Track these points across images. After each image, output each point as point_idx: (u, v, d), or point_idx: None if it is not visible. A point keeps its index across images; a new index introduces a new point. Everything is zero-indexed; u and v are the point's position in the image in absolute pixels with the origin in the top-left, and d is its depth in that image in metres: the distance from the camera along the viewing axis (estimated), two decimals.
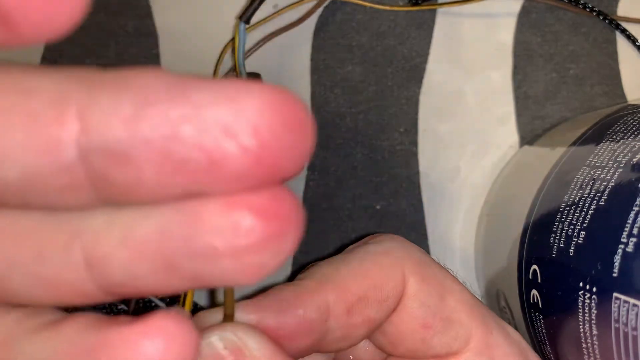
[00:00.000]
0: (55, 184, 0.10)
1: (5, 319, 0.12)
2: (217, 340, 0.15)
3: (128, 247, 0.11)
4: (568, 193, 0.23)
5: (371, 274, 0.19)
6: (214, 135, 0.10)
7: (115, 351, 0.11)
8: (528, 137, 0.34)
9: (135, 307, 0.31)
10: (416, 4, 0.34)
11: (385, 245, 0.20)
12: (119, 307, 0.32)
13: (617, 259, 0.20)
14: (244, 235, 0.10)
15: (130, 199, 0.10)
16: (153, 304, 0.33)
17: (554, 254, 0.23)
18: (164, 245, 0.11)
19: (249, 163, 0.10)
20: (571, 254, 0.22)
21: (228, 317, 0.16)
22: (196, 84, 0.10)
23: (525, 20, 0.34)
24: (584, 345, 0.21)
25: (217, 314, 0.17)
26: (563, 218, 0.23)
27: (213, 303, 0.33)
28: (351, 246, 0.21)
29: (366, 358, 0.21)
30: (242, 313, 0.17)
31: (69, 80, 0.10)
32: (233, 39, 0.31)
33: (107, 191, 0.10)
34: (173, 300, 0.33)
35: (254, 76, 0.31)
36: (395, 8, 0.34)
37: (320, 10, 0.34)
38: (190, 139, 0.10)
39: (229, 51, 0.33)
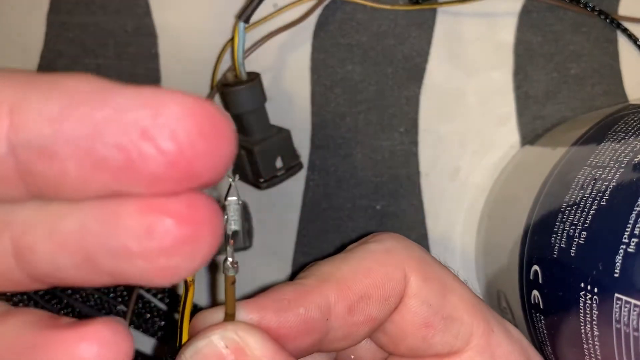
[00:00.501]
0: None
1: None
2: (218, 339, 0.15)
3: (52, 240, 0.11)
4: (569, 193, 0.23)
5: (372, 272, 0.19)
6: (133, 137, 0.10)
7: (52, 351, 0.12)
8: (529, 137, 0.34)
9: (134, 307, 0.31)
10: (416, 3, 0.34)
11: (387, 243, 0.20)
12: (117, 307, 0.32)
13: (619, 259, 0.20)
14: (157, 238, 0.11)
15: (57, 193, 0.11)
16: (152, 305, 0.33)
17: (555, 254, 0.23)
18: (84, 240, 0.11)
19: (165, 165, 0.10)
20: (572, 255, 0.22)
21: (229, 316, 0.16)
22: (120, 89, 0.11)
23: (526, 19, 0.34)
24: (585, 346, 0.21)
25: (218, 313, 0.17)
26: (564, 218, 0.23)
27: (214, 302, 0.33)
28: (352, 245, 0.21)
29: (367, 357, 0.21)
30: (243, 312, 0.17)
31: (4, 80, 0.11)
32: (232, 38, 0.30)
33: (34, 185, 0.11)
34: (173, 302, 0.33)
35: (254, 75, 0.31)
36: (396, 7, 0.34)
37: (320, 9, 0.34)
38: (110, 139, 0.10)
39: (228, 50, 0.33)
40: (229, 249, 0.16)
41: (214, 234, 0.11)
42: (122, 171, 0.10)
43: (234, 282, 0.16)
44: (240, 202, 0.15)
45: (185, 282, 0.16)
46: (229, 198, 0.15)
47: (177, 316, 0.17)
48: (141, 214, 0.11)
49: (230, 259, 0.16)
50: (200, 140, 0.10)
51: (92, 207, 0.11)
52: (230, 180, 0.15)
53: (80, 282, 0.12)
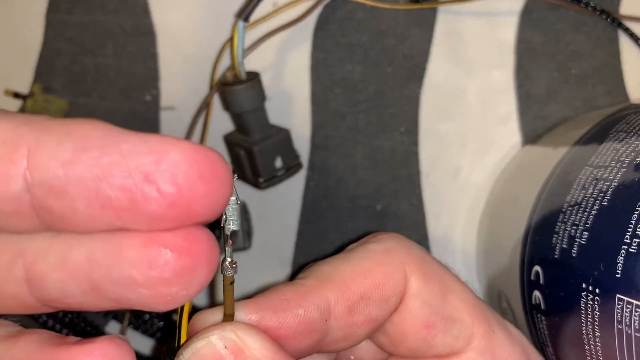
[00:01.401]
0: (4, 209, 0.12)
1: None
2: (217, 340, 0.15)
3: (62, 269, 0.13)
4: (570, 193, 0.23)
5: (372, 273, 0.19)
6: (137, 181, 0.12)
7: None
8: (530, 137, 0.34)
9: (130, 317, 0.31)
10: (417, 2, 0.34)
11: (387, 243, 0.20)
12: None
13: (621, 259, 0.20)
14: (158, 268, 0.12)
15: (67, 226, 0.12)
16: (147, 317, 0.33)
17: (556, 254, 0.23)
18: (91, 270, 0.12)
19: (165, 206, 0.12)
20: (574, 255, 0.22)
21: (228, 317, 0.16)
22: (127, 136, 0.12)
23: (527, 18, 0.34)
24: (586, 347, 0.21)
25: (216, 314, 0.17)
26: (565, 218, 0.23)
27: (213, 303, 0.33)
28: (351, 245, 0.21)
29: (367, 358, 0.21)
30: (242, 313, 0.17)
31: (23, 125, 0.12)
32: (232, 38, 0.30)
33: (47, 219, 0.12)
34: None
35: (253, 75, 0.31)
36: (396, 6, 0.34)
37: (320, 8, 0.34)
38: (116, 181, 0.12)
39: (227, 49, 0.33)
40: (228, 249, 0.16)
41: (211, 265, 0.13)
42: (126, 210, 0.12)
43: (232, 283, 0.16)
44: (239, 202, 0.15)
45: None
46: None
47: (175, 317, 0.17)
48: (144, 246, 0.12)
49: (228, 259, 0.16)
50: (199, 184, 0.12)
51: (99, 239, 0.12)
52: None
53: (86, 307, 0.13)
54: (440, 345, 0.19)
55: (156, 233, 0.12)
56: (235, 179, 0.14)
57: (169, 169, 0.12)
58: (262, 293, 0.18)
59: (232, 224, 0.15)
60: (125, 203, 0.12)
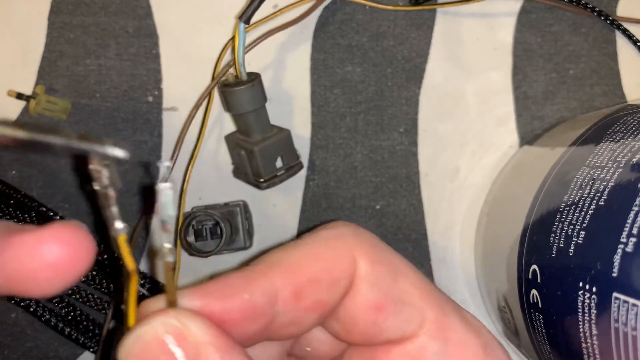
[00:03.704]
0: None
1: None
2: (159, 325, 0.15)
3: None
4: (568, 193, 0.23)
5: (321, 257, 0.19)
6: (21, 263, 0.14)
7: (17, 252, 0.14)
8: (528, 137, 0.34)
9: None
10: (416, 3, 0.34)
11: (337, 230, 0.20)
12: (122, 306, 0.32)
13: (617, 258, 0.20)
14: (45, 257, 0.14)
15: None
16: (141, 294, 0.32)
17: (553, 254, 0.23)
18: None
19: (46, 272, 0.14)
20: (571, 254, 0.22)
21: (171, 304, 0.16)
22: (18, 234, 0.14)
23: (525, 20, 0.34)
24: (583, 345, 0.21)
25: (161, 301, 0.17)
26: (563, 218, 0.23)
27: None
28: (305, 234, 0.21)
29: (324, 349, 0.21)
30: (186, 299, 0.17)
31: None
32: (233, 39, 0.31)
33: None
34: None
35: (254, 76, 0.31)
36: (396, 8, 0.34)
37: (320, 10, 0.34)
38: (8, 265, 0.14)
39: (228, 51, 0.33)
40: (166, 235, 0.16)
41: (86, 257, 0.15)
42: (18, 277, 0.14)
43: (173, 269, 0.16)
44: (172, 186, 0.15)
45: (128, 272, 0.16)
46: (160, 184, 0.15)
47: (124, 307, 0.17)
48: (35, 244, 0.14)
49: (167, 245, 0.16)
50: (71, 261, 0.14)
51: None
52: (163, 166, 0.15)
53: None
54: (392, 329, 0.19)
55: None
56: (170, 164, 0.14)
57: (46, 256, 0.14)
58: (210, 280, 0.18)
59: (169, 209, 0.15)
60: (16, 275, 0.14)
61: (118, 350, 0.15)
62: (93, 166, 0.15)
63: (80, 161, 0.33)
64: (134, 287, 0.16)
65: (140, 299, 0.17)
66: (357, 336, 0.19)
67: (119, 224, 0.15)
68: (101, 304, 0.33)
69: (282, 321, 0.18)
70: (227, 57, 0.33)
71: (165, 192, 0.15)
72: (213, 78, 0.33)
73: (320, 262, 0.18)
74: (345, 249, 0.19)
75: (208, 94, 0.33)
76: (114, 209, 0.15)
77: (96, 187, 0.15)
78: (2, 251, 0.14)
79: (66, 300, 0.33)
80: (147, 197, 0.33)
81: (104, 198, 0.15)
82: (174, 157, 0.32)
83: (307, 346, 0.21)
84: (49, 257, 0.14)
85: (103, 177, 0.15)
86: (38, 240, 0.14)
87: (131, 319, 0.16)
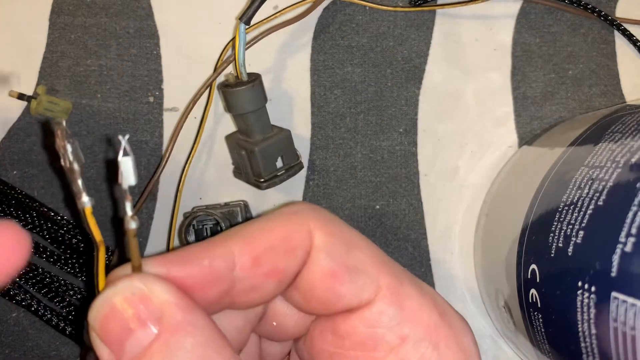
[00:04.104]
0: None
1: None
2: (124, 287, 0.16)
3: None
4: (567, 193, 0.24)
5: (278, 228, 0.20)
6: None
7: None
8: (527, 137, 0.34)
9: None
10: (416, 4, 0.34)
11: (295, 207, 0.21)
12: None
13: (616, 258, 0.20)
14: None
15: None
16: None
17: (552, 253, 0.23)
18: None
19: None
20: (570, 254, 0.22)
21: (136, 269, 0.17)
22: None
23: (524, 21, 0.35)
24: (582, 344, 0.21)
25: (127, 269, 0.18)
26: (562, 218, 0.23)
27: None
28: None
29: (290, 324, 0.22)
30: (150, 265, 0.18)
31: None
32: (233, 40, 0.31)
33: None
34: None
35: (254, 76, 0.31)
36: (395, 9, 0.34)
37: (320, 11, 0.34)
38: None
39: (229, 51, 0.33)
40: (128, 203, 0.16)
41: (19, 256, 0.15)
42: None
43: (135, 235, 0.17)
44: (132, 158, 0.16)
45: (96, 242, 0.17)
46: (121, 157, 0.16)
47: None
48: None
49: (129, 213, 0.17)
50: (7, 261, 0.15)
51: None
52: (123, 141, 0.16)
53: None
54: (348, 296, 0.20)
55: None
56: (125, 137, 0.16)
57: None
58: (171, 251, 0.19)
59: (130, 179, 0.16)
60: None
61: (88, 313, 0.16)
62: (58, 142, 0.16)
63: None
64: (102, 257, 0.17)
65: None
66: (316, 305, 0.20)
67: (84, 197, 0.16)
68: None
69: (242, 287, 0.19)
70: (227, 57, 0.33)
71: (126, 164, 0.16)
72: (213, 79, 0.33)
73: (277, 232, 0.19)
74: (301, 222, 0.20)
75: (208, 85, 0.33)
76: (80, 182, 0.16)
77: (62, 162, 0.16)
78: None
79: (67, 299, 0.33)
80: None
81: (70, 172, 0.16)
82: (167, 153, 0.32)
83: (273, 321, 0.22)
84: None
85: (68, 153, 0.16)
86: None
87: (100, 286, 0.17)
